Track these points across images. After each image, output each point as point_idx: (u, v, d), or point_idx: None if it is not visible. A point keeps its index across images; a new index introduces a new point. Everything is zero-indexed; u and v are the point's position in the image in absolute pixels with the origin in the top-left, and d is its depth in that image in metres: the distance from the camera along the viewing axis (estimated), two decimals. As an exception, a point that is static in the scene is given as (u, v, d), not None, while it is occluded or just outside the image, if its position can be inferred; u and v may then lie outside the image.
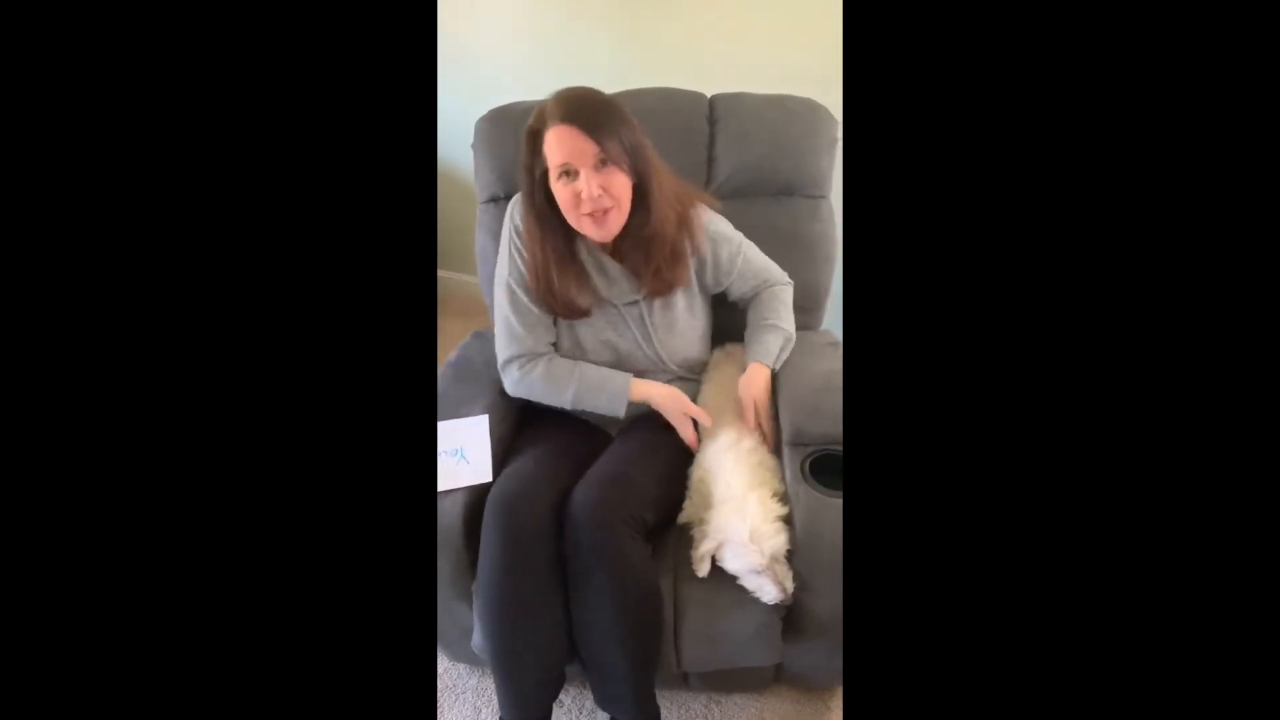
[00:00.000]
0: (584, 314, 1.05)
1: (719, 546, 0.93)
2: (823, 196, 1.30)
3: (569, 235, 1.01)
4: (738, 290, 1.14)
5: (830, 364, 1.11)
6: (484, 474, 1.00)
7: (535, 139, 0.94)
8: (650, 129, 1.26)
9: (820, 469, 0.97)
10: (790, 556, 0.93)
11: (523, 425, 1.14)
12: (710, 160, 1.29)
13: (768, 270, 1.14)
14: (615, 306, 1.07)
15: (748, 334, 1.13)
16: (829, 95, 1.27)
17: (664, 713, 0.96)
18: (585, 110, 0.91)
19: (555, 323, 1.08)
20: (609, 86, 1.33)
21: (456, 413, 1.07)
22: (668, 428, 1.08)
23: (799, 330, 1.18)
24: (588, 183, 0.91)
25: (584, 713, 1.13)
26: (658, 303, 1.07)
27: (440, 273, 2.10)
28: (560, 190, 0.94)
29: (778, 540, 0.91)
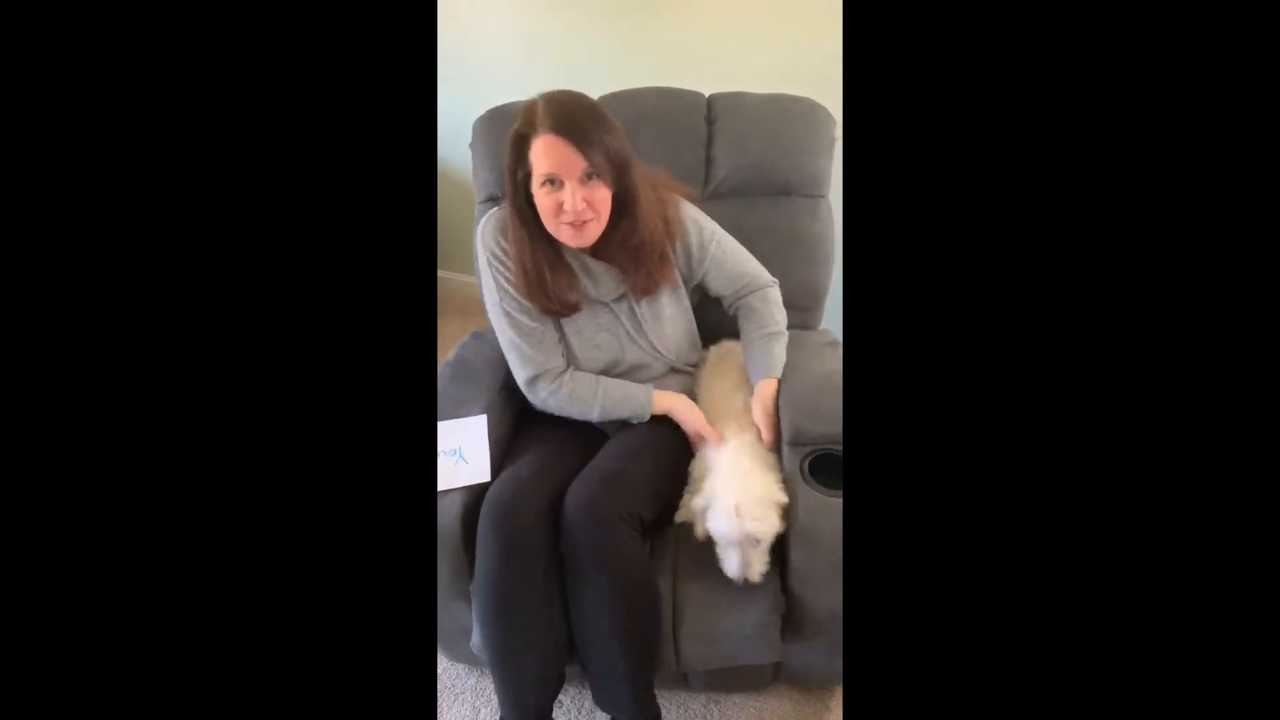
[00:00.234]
0: (576, 308, 1.05)
1: (707, 507, 0.94)
2: (821, 196, 1.30)
3: (551, 236, 1.01)
4: (718, 285, 1.12)
5: (830, 364, 1.11)
6: (483, 474, 1.00)
7: (522, 144, 0.93)
8: (648, 128, 1.27)
9: (819, 469, 0.97)
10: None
11: (521, 425, 1.14)
12: (709, 160, 1.29)
13: (748, 266, 1.13)
14: (604, 304, 1.07)
15: (747, 347, 1.11)
16: (827, 94, 1.27)
17: (663, 712, 0.96)
18: (576, 121, 0.90)
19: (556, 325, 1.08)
20: (607, 86, 1.33)
21: (455, 413, 1.06)
22: (666, 423, 1.08)
23: (798, 330, 1.18)
24: (573, 195, 0.91)
25: (583, 712, 1.13)
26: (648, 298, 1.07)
27: (438, 273, 2.10)
28: (542, 197, 0.94)
29: (762, 524, 0.90)
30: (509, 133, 0.94)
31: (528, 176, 0.94)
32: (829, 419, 0.99)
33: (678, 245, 1.07)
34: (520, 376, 1.08)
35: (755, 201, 1.28)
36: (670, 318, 1.10)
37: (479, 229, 1.06)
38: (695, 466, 1.04)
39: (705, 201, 1.30)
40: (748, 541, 0.91)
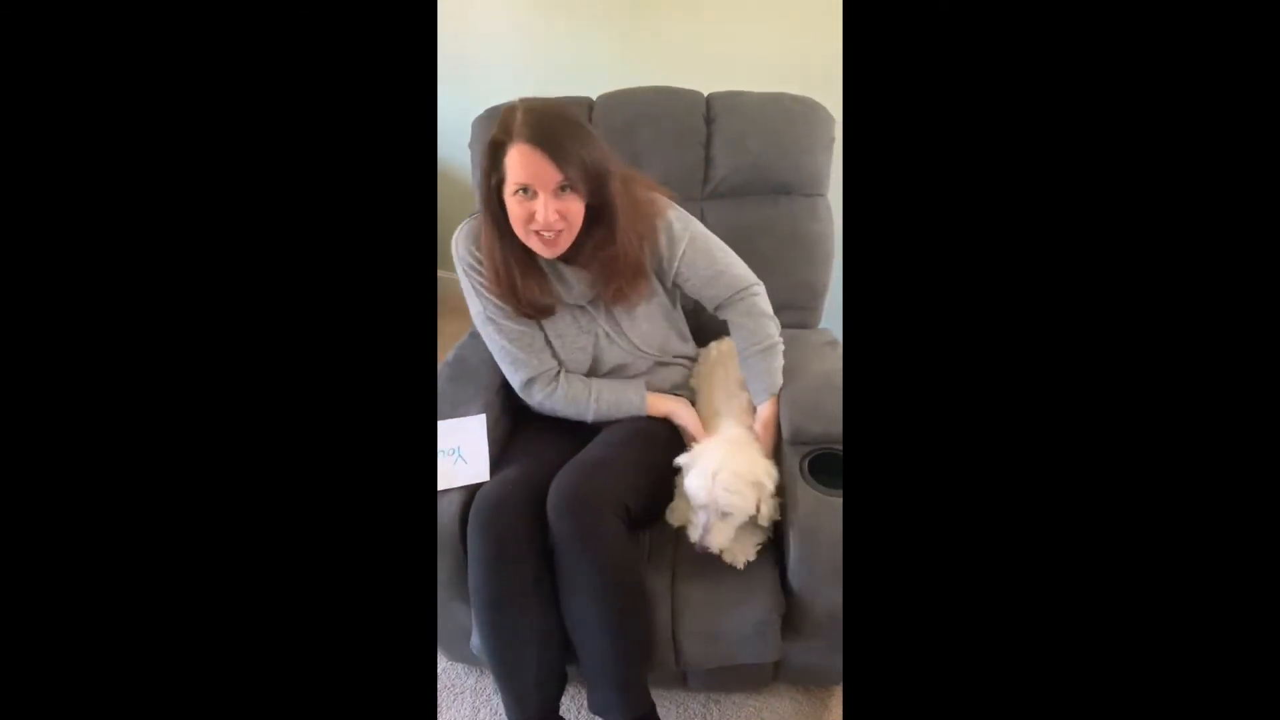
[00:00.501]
0: (549, 311, 1.05)
1: (689, 465, 0.95)
2: (820, 195, 1.30)
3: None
4: (693, 289, 1.08)
5: (829, 363, 1.11)
6: (482, 473, 1.00)
7: (497, 150, 0.92)
8: (648, 128, 1.27)
9: (819, 468, 0.97)
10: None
11: (518, 424, 1.14)
12: (708, 159, 1.29)
13: (728, 269, 1.07)
14: (580, 307, 1.07)
15: (743, 364, 1.10)
16: (826, 94, 1.27)
17: (663, 712, 0.96)
18: (552, 133, 0.89)
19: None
20: (607, 85, 1.33)
21: (454, 412, 1.06)
22: (656, 417, 1.09)
23: (797, 329, 1.18)
24: (545, 207, 0.91)
25: (584, 713, 1.13)
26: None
27: (438, 272, 2.10)
28: (514, 205, 0.93)
29: (734, 498, 0.91)
30: (486, 138, 0.94)
31: (501, 183, 0.93)
32: (828, 419, 0.99)
33: (647, 248, 1.04)
34: (515, 381, 1.09)
35: (754, 201, 1.28)
36: (648, 316, 1.10)
37: (454, 240, 1.06)
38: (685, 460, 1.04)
39: (704, 201, 1.31)
40: (714, 510, 0.91)
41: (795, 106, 1.26)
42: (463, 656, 1.15)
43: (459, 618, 1.02)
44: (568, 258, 1.01)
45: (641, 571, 0.95)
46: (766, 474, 0.95)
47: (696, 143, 1.28)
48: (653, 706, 0.95)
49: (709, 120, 1.28)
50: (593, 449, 1.02)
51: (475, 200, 1.30)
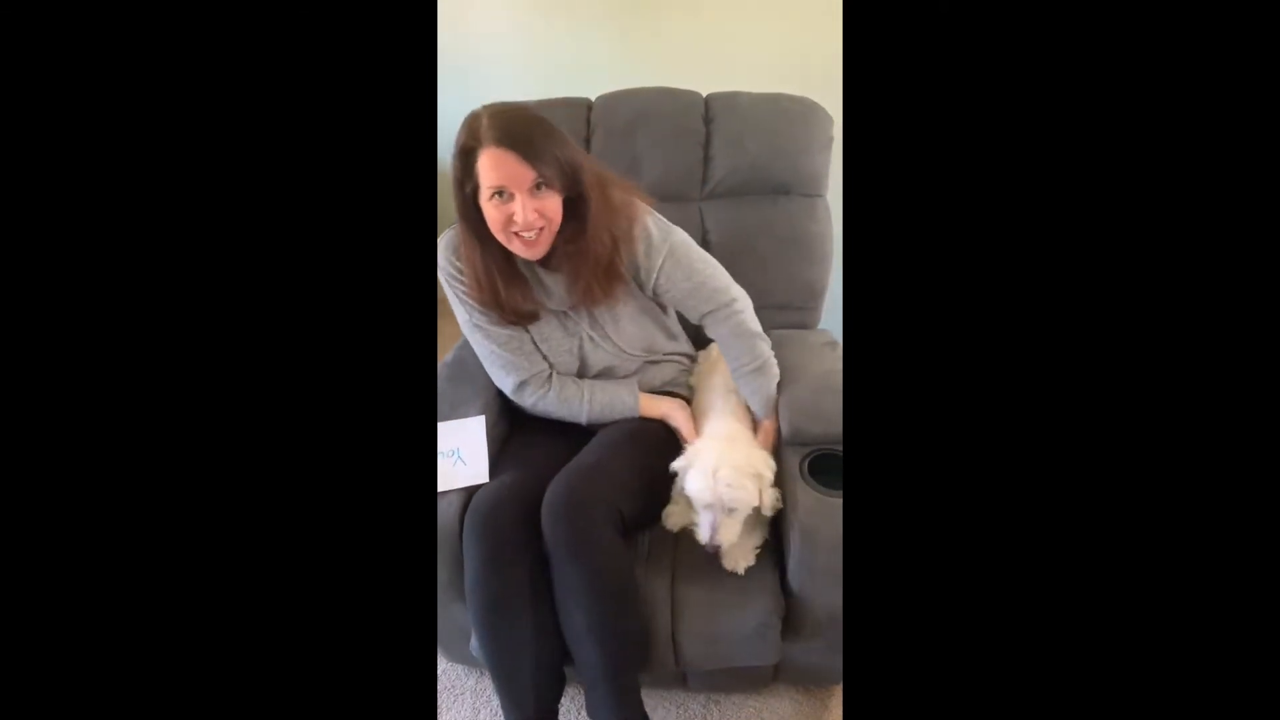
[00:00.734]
0: (534, 317, 1.05)
1: (688, 468, 0.94)
2: (819, 195, 1.30)
3: (503, 247, 0.99)
4: (673, 300, 1.07)
5: (828, 364, 1.11)
6: (481, 475, 1.00)
7: (468, 157, 0.91)
8: (647, 128, 1.27)
9: (818, 469, 0.97)
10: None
11: (515, 426, 1.14)
12: (706, 159, 1.29)
13: (709, 281, 1.04)
14: (562, 312, 1.06)
15: (738, 383, 1.08)
16: (826, 94, 1.27)
17: (663, 713, 0.96)
18: (521, 133, 0.89)
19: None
20: (606, 86, 1.33)
21: (453, 413, 1.06)
22: (652, 419, 1.09)
23: (796, 329, 1.17)
24: (523, 208, 0.90)
25: (582, 714, 1.13)
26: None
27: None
28: (490, 210, 0.92)
29: (737, 493, 0.90)
30: (456, 146, 0.93)
31: (476, 190, 0.92)
32: (828, 419, 0.99)
33: (623, 250, 1.02)
34: (506, 385, 1.09)
35: (753, 201, 1.28)
36: (631, 318, 1.09)
37: (440, 246, 1.05)
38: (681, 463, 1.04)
39: (703, 201, 1.31)
40: (720, 508, 0.91)
41: (793, 107, 1.26)
42: (463, 658, 1.15)
43: (459, 619, 1.02)
44: (545, 261, 1.01)
45: (635, 577, 0.95)
46: (765, 464, 0.95)
47: (695, 143, 1.28)
48: (644, 715, 0.95)
49: (708, 121, 1.28)
50: (587, 454, 1.01)
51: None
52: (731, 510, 0.92)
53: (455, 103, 1.60)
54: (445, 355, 1.22)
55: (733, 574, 0.96)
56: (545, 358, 1.09)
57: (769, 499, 0.94)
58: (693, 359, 1.19)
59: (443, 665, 1.22)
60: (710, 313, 1.05)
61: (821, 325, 1.33)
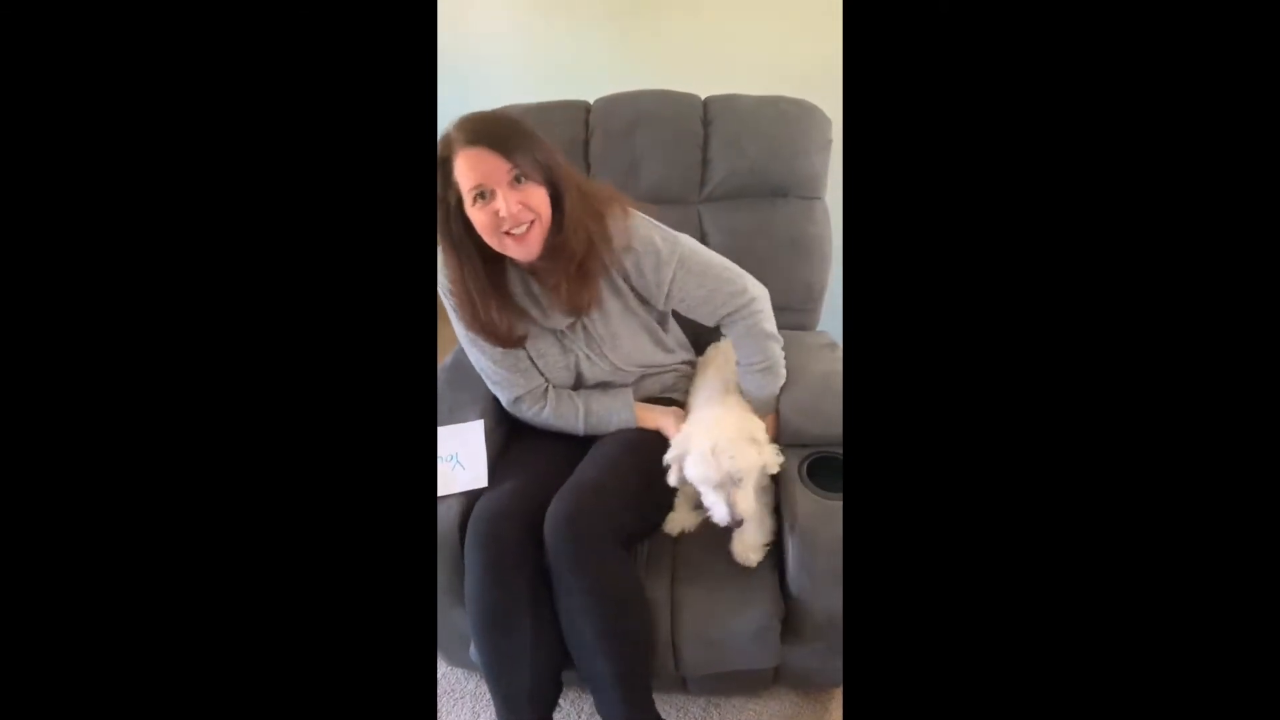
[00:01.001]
0: (520, 343, 1.03)
1: (684, 455, 0.93)
2: (817, 198, 1.30)
3: (491, 265, 0.98)
4: (689, 309, 1.05)
5: (828, 365, 1.11)
6: (480, 479, 0.99)
7: (445, 167, 0.90)
8: (645, 131, 1.27)
9: (817, 471, 0.97)
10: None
11: (514, 431, 1.13)
12: (705, 162, 1.29)
13: (726, 285, 1.02)
14: (559, 331, 1.05)
15: (742, 379, 1.08)
16: (823, 96, 1.27)
17: (663, 716, 0.96)
18: (492, 129, 0.88)
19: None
20: (604, 88, 1.33)
21: (451, 418, 1.06)
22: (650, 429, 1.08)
23: (794, 331, 1.17)
24: (505, 200, 0.88)
25: (583, 716, 1.13)
26: (595, 316, 1.03)
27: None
28: (477, 214, 0.91)
29: (740, 460, 0.89)
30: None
31: (459, 199, 0.91)
32: (827, 421, 0.99)
33: (628, 265, 1.01)
34: (502, 398, 1.09)
35: (751, 203, 1.28)
36: (629, 335, 1.07)
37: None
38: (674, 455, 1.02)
39: (701, 204, 1.31)
40: (729, 481, 0.90)
41: (792, 109, 1.26)
42: (462, 662, 1.15)
43: (459, 623, 1.02)
44: (539, 277, 1.00)
45: (640, 584, 0.94)
46: (756, 428, 0.94)
47: (694, 146, 1.28)
48: (658, 715, 0.95)
49: (706, 123, 1.28)
50: (588, 467, 1.00)
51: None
52: (739, 480, 0.90)
53: (455, 103, 1.60)
54: (444, 359, 1.22)
55: (732, 577, 0.96)
56: (541, 373, 1.08)
57: (771, 457, 0.93)
58: (692, 364, 1.19)
59: (443, 669, 1.22)
60: (728, 315, 1.03)
61: (820, 327, 1.33)
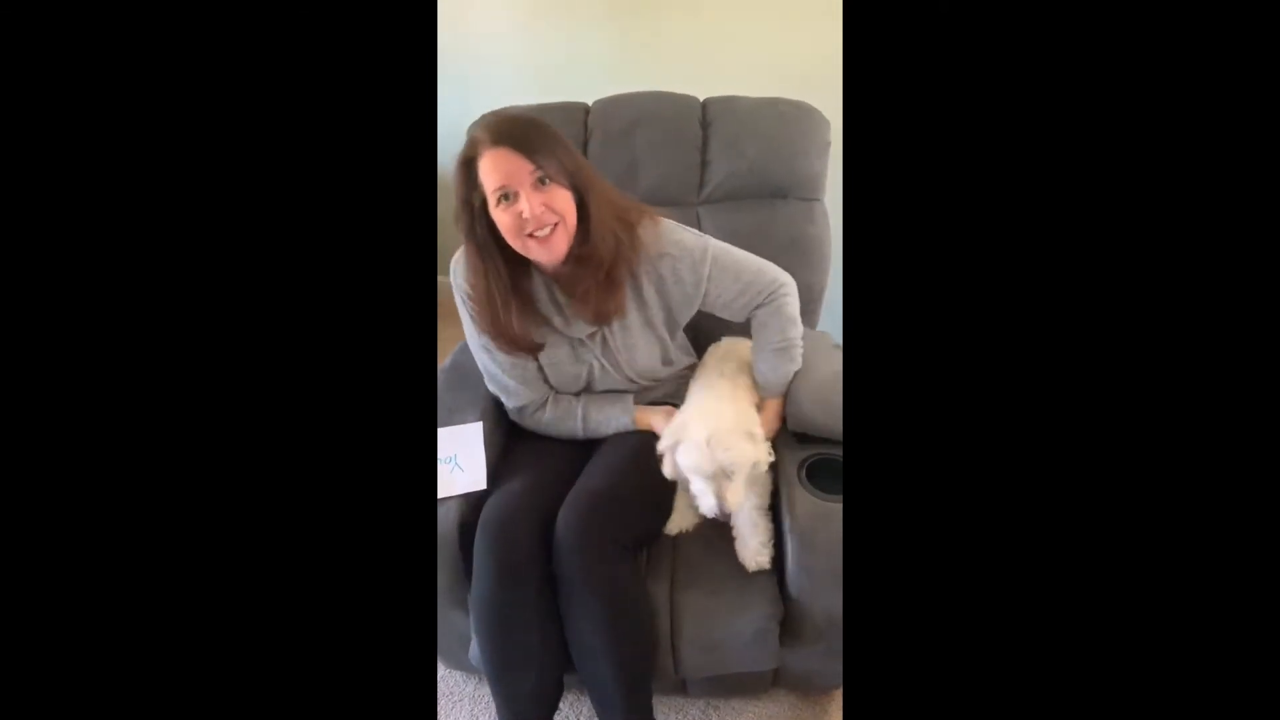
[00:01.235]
0: (537, 349, 1.03)
1: (677, 443, 0.92)
2: (816, 199, 1.30)
3: (516, 269, 0.98)
4: (723, 304, 1.04)
5: (828, 366, 1.10)
6: (479, 481, 0.99)
7: (469, 168, 0.90)
8: (644, 132, 1.27)
9: (817, 473, 0.97)
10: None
11: (514, 432, 1.13)
12: (704, 163, 1.28)
13: (754, 277, 1.03)
14: (577, 339, 1.04)
15: (756, 359, 1.07)
16: (822, 97, 1.27)
17: (662, 719, 0.96)
18: (516, 131, 0.88)
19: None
20: (603, 90, 1.33)
21: (450, 419, 1.06)
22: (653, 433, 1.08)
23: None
24: (529, 201, 0.88)
25: (580, 718, 1.13)
26: (616, 327, 1.03)
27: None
28: (501, 216, 0.90)
29: (734, 454, 0.88)
30: (456, 162, 0.92)
31: (483, 200, 0.91)
32: (827, 421, 0.99)
33: (665, 271, 1.01)
34: (508, 404, 1.09)
35: (750, 205, 1.28)
36: (645, 346, 1.07)
37: (452, 267, 1.04)
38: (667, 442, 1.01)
39: (700, 205, 1.30)
40: (721, 474, 0.89)
41: (791, 111, 1.26)
42: (461, 664, 1.14)
43: (458, 625, 1.01)
44: (563, 284, 0.99)
45: (647, 595, 0.94)
46: (752, 422, 0.93)
47: (693, 147, 1.28)
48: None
49: (705, 125, 1.28)
50: (597, 475, 1.00)
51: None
52: (731, 474, 0.89)
53: (454, 104, 1.61)
54: (443, 361, 1.21)
55: (731, 580, 0.96)
56: (547, 381, 1.08)
57: (763, 453, 0.93)
58: (693, 369, 1.19)
59: (441, 672, 1.21)
60: (761, 304, 1.03)
61: (819, 328, 1.33)
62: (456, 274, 1.03)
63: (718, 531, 0.99)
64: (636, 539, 0.95)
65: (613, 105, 1.31)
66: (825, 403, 1.00)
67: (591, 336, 1.04)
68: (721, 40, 1.57)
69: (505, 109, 0.94)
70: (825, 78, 1.20)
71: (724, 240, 1.13)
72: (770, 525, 0.98)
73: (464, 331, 1.08)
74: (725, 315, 1.06)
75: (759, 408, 1.05)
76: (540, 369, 1.07)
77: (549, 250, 0.93)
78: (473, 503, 0.97)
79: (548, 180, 0.89)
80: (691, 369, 1.18)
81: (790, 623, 0.96)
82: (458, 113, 1.43)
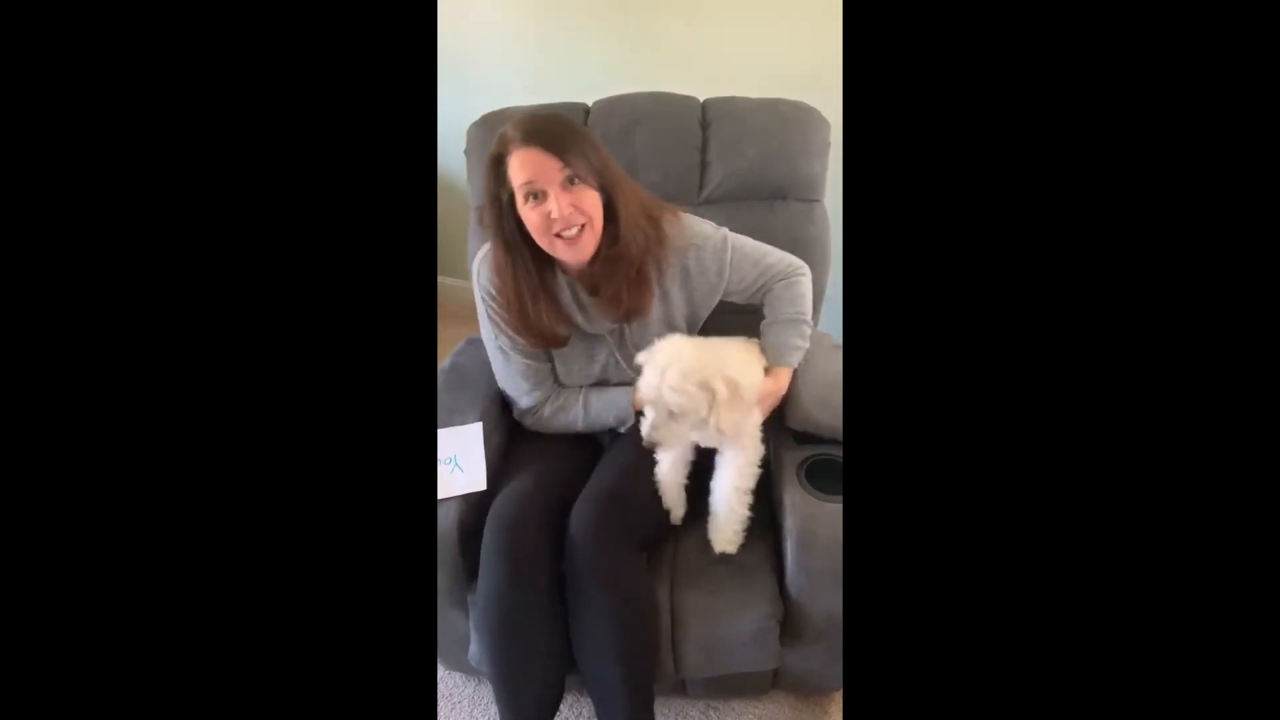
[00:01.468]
0: (563, 342, 1.03)
1: (646, 361, 0.90)
2: (816, 200, 1.30)
3: (542, 265, 0.98)
4: (743, 289, 1.05)
5: (829, 366, 1.10)
6: (479, 482, 0.99)
7: (499, 165, 0.91)
8: (644, 133, 1.27)
9: (816, 474, 0.97)
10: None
11: (516, 433, 1.13)
12: (703, 164, 1.28)
13: (769, 259, 1.05)
14: (597, 336, 1.05)
15: (764, 333, 1.06)
16: (822, 98, 1.27)
17: (662, 720, 0.97)
18: (547, 130, 0.89)
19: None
20: (603, 91, 1.33)
21: (450, 420, 1.06)
22: None
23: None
24: (557, 201, 0.88)
25: (582, 717, 1.13)
26: (635, 324, 1.03)
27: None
28: (529, 214, 0.91)
29: (678, 397, 0.84)
30: (486, 159, 0.92)
31: (512, 197, 0.92)
32: (828, 421, 0.99)
33: (690, 262, 1.02)
34: (520, 403, 1.09)
35: (750, 206, 1.28)
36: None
37: (474, 267, 1.04)
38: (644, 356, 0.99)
39: (700, 206, 1.30)
40: (662, 409, 0.87)
41: (790, 112, 1.26)
42: (460, 665, 1.14)
43: (458, 627, 1.01)
44: (588, 284, 0.99)
45: (655, 597, 0.94)
46: (719, 376, 0.86)
47: (692, 148, 1.27)
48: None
49: (704, 126, 1.28)
50: (610, 478, 1.00)
51: (472, 212, 1.30)
52: (673, 415, 0.87)
53: (454, 104, 1.61)
54: (443, 361, 1.21)
55: (731, 580, 0.96)
56: (557, 379, 1.08)
57: (720, 418, 0.87)
58: None
59: (441, 673, 1.21)
60: (780, 280, 1.04)
61: (819, 329, 1.33)
62: (480, 274, 1.03)
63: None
64: (646, 539, 0.95)
65: (612, 105, 1.31)
66: (825, 402, 1.00)
67: (611, 333, 1.04)
68: (721, 41, 1.57)
69: (537, 107, 0.93)
70: (825, 79, 1.20)
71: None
72: (748, 513, 0.97)
73: (481, 332, 1.07)
74: (740, 300, 1.06)
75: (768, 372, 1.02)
76: (554, 369, 1.07)
77: (576, 251, 0.93)
78: (473, 503, 0.97)
79: (576, 180, 0.90)
80: None
81: (790, 623, 0.96)
82: (458, 113, 1.43)
